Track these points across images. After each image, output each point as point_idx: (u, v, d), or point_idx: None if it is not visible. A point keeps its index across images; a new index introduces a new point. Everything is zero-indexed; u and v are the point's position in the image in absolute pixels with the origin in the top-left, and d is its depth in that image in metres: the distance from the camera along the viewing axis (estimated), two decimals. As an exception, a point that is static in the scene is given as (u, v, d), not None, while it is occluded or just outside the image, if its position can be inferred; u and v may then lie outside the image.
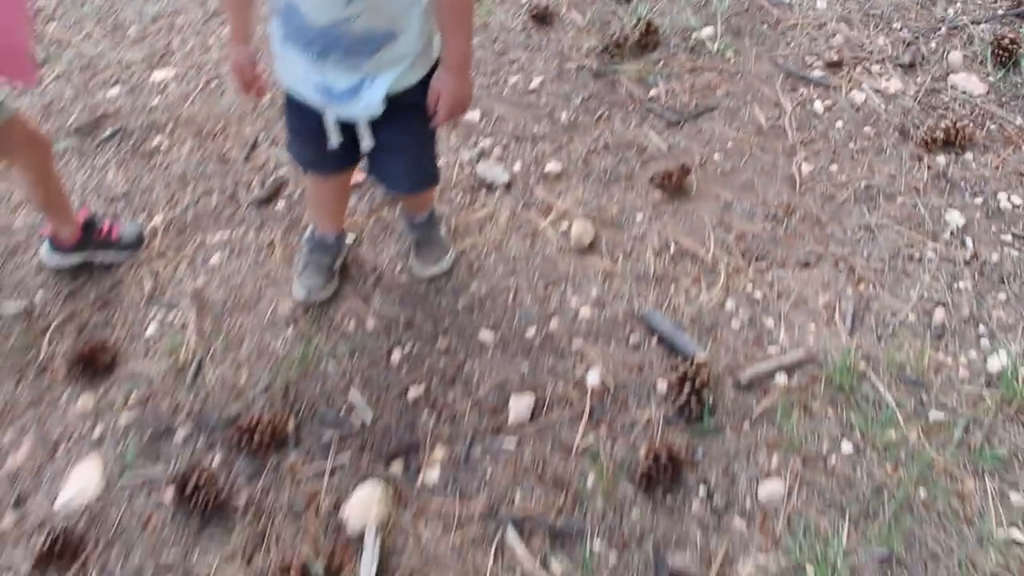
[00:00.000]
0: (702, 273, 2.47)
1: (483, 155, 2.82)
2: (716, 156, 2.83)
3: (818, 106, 3.03)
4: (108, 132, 2.96)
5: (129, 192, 2.75)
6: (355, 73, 1.86)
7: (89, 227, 2.45)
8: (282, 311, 2.37)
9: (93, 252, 2.49)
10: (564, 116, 2.97)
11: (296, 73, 1.92)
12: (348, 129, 1.99)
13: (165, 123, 2.98)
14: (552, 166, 2.78)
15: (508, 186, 2.71)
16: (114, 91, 3.15)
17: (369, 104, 1.89)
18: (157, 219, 2.65)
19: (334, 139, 1.99)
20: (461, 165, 2.78)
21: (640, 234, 2.57)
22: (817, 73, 3.16)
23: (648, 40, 3.23)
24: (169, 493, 1.99)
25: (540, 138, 2.88)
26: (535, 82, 3.09)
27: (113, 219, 2.58)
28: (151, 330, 2.36)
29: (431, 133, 2.11)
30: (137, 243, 2.54)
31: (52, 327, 2.36)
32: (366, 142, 1.99)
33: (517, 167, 2.78)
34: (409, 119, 1.98)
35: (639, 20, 3.29)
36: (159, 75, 3.20)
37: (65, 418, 2.17)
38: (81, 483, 2.04)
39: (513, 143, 2.86)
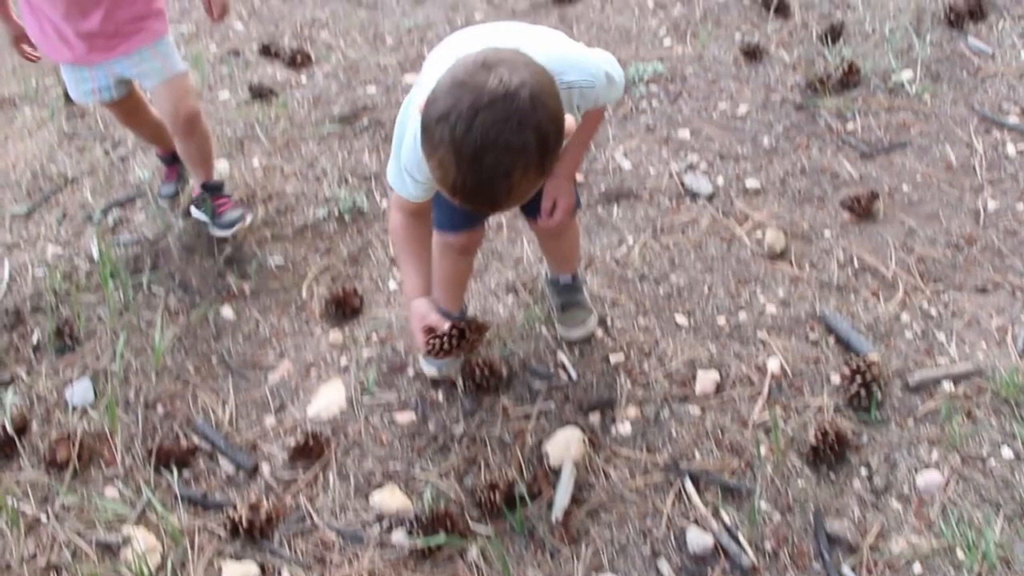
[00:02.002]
0: (881, 287, 2.57)
1: (691, 168, 3.02)
2: (904, 187, 2.92)
3: (1011, 149, 3.04)
4: (365, 122, 3.36)
5: (380, 172, 3.12)
6: None
7: (211, 189, 2.85)
8: (504, 280, 2.64)
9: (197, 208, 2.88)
10: (766, 141, 3.13)
11: None
12: None
13: (413, 120, 3.35)
14: (752, 183, 2.95)
15: (711, 197, 2.90)
16: (372, 89, 3.54)
17: None
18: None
19: None
20: (670, 174, 2.99)
21: (827, 248, 2.71)
22: (1013, 119, 3.16)
23: (849, 79, 3.34)
24: (400, 417, 2.29)
25: (743, 158, 3.05)
26: (742, 109, 3.27)
27: (237, 202, 2.94)
28: (392, 285, 2.69)
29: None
30: (230, 225, 2.83)
31: (311, 275, 2.74)
32: None
33: (720, 181, 2.97)
34: None
35: (842, 60, 3.41)
36: (409, 78, 3.58)
37: (318, 348, 2.51)
38: (328, 400, 2.35)
39: (718, 160, 3.05)
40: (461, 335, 1.87)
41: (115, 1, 2.48)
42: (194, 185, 2.90)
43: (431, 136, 1.43)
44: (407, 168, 1.77)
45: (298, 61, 3.72)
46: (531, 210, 2.16)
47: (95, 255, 2.89)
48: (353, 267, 2.77)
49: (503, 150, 1.38)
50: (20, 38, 2.65)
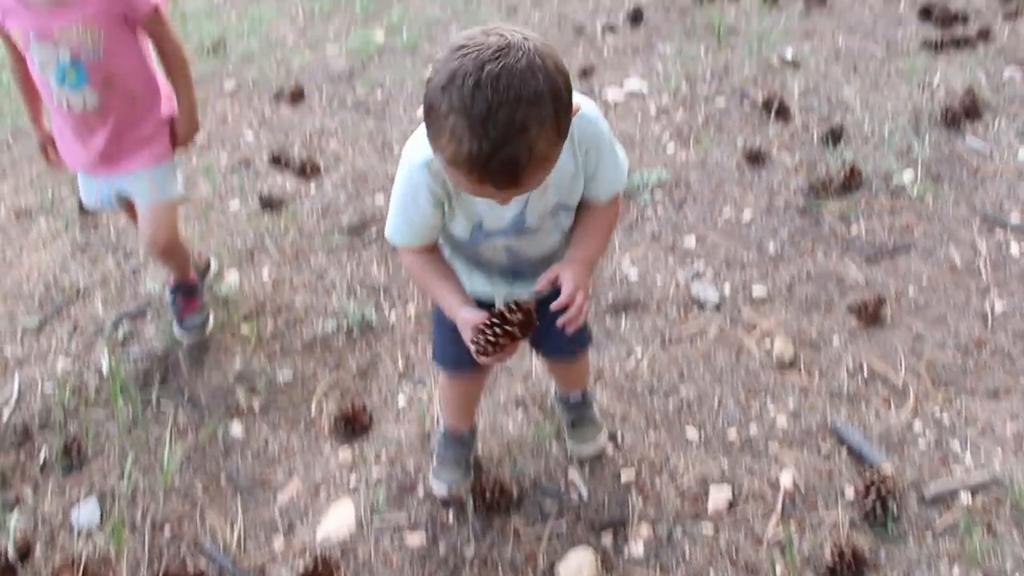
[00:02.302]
0: (892, 395, 2.56)
1: (697, 276, 3.04)
2: (911, 290, 2.93)
3: (1014, 249, 3.06)
4: (373, 233, 3.39)
5: (388, 285, 3.14)
6: (523, 284, 1.93)
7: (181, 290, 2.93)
8: (513, 394, 2.64)
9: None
10: (771, 247, 3.15)
11: (459, 268, 1.93)
12: None
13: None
14: (758, 290, 2.96)
15: (718, 306, 2.91)
16: (380, 198, 3.59)
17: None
18: (411, 309, 3.02)
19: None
20: (677, 284, 3.01)
21: (836, 356, 2.70)
22: (1015, 219, 3.19)
23: (851, 182, 3.38)
24: (411, 539, 2.25)
25: (749, 265, 3.07)
26: (746, 215, 3.30)
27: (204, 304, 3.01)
28: (401, 401, 2.68)
29: None
30: (189, 330, 2.93)
31: (320, 390, 2.74)
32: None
33: (727, 289, 2.98)
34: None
35: (844, 163, 3.45)
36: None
37: (328, 466, 2.49)
38: (338, 521, 2.32)
39: (724, 268, 3.07)
40: (503, 320, 1.71)
41: (120, 123, 2.56)
42: (168, 279, 2.99)
43: (438, 110, 1.37)
44: (415, 194, 1.73)
45: (307, 171, 3.78)
46: (542, 342, 2.15)
47: (105, 370, 2.89)
48: (362, 382, 2.76)
49: (515, 101, 1.33)
50: (47, 144, 2.76)
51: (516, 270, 1.92)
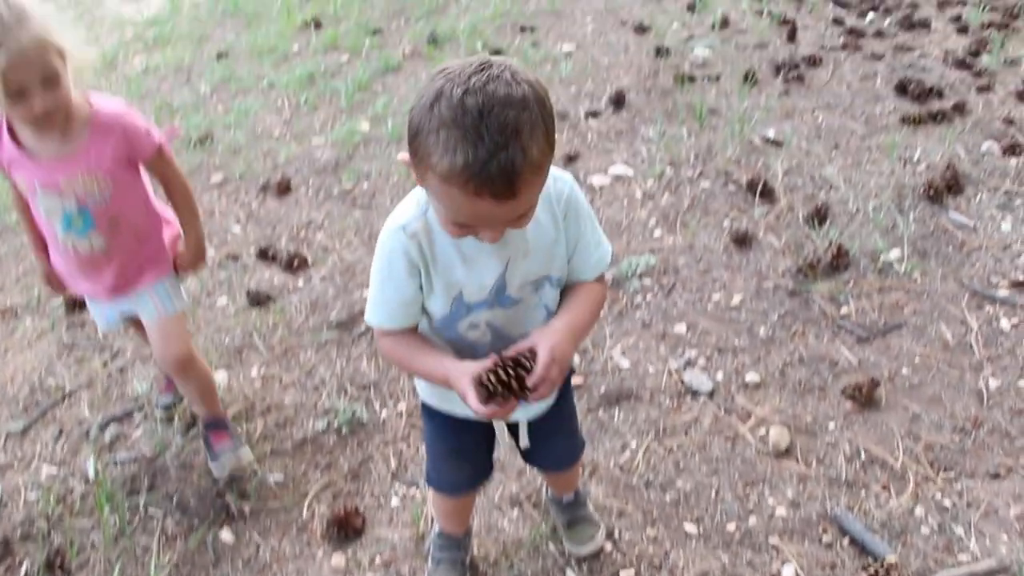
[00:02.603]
0: (891, 479, 2.53)
1: (689, 364, 3.02)
2: (904, 370, 2.92)
3: (1004, 324, 3.07)
4: (362, 327, 3.36)
5: (379, 380, 3.11)
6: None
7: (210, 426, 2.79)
8: (508, 492, 2.60)
9: None
10: (762, 331, 3.14)
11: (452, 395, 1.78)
12: (484, 434, 2.01)
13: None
14: (751, 376, 2.94)
15: (711, 393, 2.89)
16: (367, 292, 3.57)
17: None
18: (402, 406, 2.98)
19: (525, 439, 1.97)
20: (669, 372, 2.99)
21: (832, 441, 2.68)
22: (1003, 292, 3.20)
23: (839, 261, 3.39)
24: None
25: (740, 350, 3.06)
26: (736, 299, 3.30)
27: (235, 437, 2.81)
28: (394, 502, 2.63)
29: (574, 402, 2.15)
30: (222, 468, 2.73)
31: (311, 493, 2.69)
32: (524, 441, 1.98)
33: (719, 376, 2.96)
34: (562, 401, 2.02)
35: (831, 243, 3.47)
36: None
37: (320, 572, 2.43)
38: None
39: (716, 354, 3.05)
40: (517, 364, 1.58)
41: (124, 258, 2.51)
42: (201, 415, 2.85)
43: (427, 129, 1.39)
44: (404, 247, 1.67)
45: (295, 265, 3.77)
46: (535, 456, 2.11)
47: (91, 475, 2.84)
48: (354, 483, 2.71)
49: (505, 105, 1.36)
50: (51, 275, 2.67)
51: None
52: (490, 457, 2.13)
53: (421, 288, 1.72)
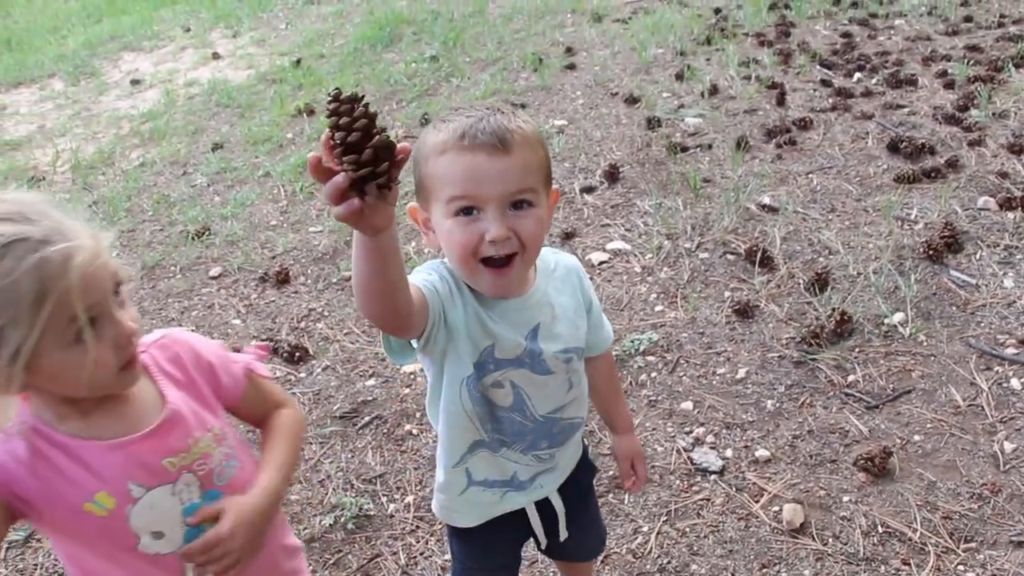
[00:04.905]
0: (911, 553, 2.50)
1: (698, 442, 3.01)
2: (916, 437, 2.90)
3: (1015, 383, 3.06)
4: (367, 418, 3.36)
5: (384, 474, 3.09)
6: (541, 464, 1.80)
7: None
8: (524, 586, 2.57)
9: None
10: (769, 404, 3.13)
11: (490, 499, 1.81)
12: (521, 540, 1.99)
13: (414, 411, 3.33)
14: (761, 452, 2.92)
15: (721, 472, 2.87)
16: (371, 382, 3.57)
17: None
18: (409, 498, 2.96)
19: (564, 531, 1.93)
20: (678, 452, 2.97)
21: (848, 515, 2.65)
22: (1011, 351, 3.20)
23: (843, 328, 3.39)
24: None
25: (748, 425, 3.04)
26: (741, 372, 3.30)
27: None
28: (409, 602, 2.60)
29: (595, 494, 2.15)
30: None
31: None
32: (563, 533, 1.93)
33: (729, 453, 2.94)
34: (588, 492, 2.03)
35: (833, 310, 3.47)
36: (409, 368, 3.61)
37: None
38: None
39: (724, 431, 3.04)
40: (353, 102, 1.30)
41: None
42: None
43: (429, 149, 1.53)
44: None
45: (296, 357, 3.78)
46: (562, 549, 2.02)
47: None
48: (363, 582, 2.68)
49: (499, 113, 1.53)
50: None
51: (526, 430, 1.72)
52: (519, 557, 2.05)
53: (444, 319, 1.58)
